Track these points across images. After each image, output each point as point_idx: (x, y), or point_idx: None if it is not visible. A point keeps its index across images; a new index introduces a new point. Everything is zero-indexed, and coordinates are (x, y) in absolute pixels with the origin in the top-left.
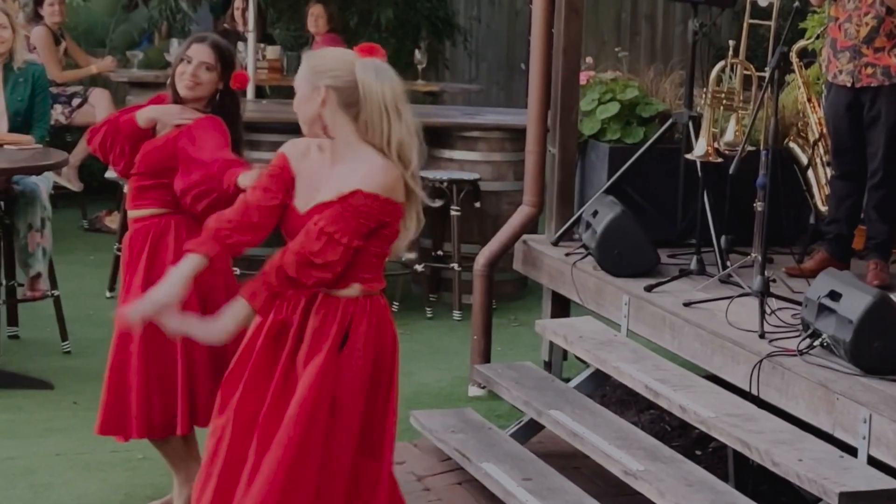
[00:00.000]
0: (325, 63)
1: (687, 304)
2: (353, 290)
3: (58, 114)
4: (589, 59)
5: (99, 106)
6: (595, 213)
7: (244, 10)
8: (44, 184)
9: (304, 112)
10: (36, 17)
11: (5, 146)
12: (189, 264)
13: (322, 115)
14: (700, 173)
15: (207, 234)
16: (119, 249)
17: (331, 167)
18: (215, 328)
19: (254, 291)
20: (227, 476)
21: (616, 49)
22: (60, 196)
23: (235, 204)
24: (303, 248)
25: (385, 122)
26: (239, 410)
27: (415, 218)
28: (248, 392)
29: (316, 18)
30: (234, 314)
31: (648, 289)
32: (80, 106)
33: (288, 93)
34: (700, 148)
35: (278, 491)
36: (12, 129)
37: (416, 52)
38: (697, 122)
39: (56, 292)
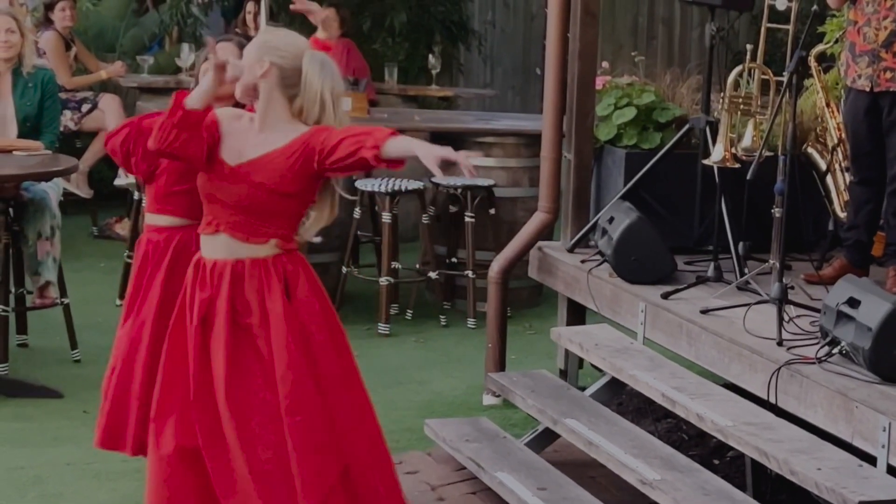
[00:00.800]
0: (276, 41)
1: (704, 312)
2: (271, 245)
3: (67, 119)
4: (605, 64)
5: (109, 111)
6: (611, 220)
7: (256, 14)
8: (53, 191)
9: (243, 78)
10: (46, 22)
11: (14, 152)
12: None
13: (258, 86)
14: (717, 179)
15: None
16: (130, 257)
17: (258, 133)
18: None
19: (389, 131)
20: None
21: (633, 53)
22: (70, 203)
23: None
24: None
25: (318, 110)
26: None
27: (328, 206)
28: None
29: (328, 22)
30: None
31: (665, 296)
32: (89, 112)
33: None
34: (717, 153)
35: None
36: (21, 135)
37: (430, 56)
38: (715, 127)
39: (66, 300)
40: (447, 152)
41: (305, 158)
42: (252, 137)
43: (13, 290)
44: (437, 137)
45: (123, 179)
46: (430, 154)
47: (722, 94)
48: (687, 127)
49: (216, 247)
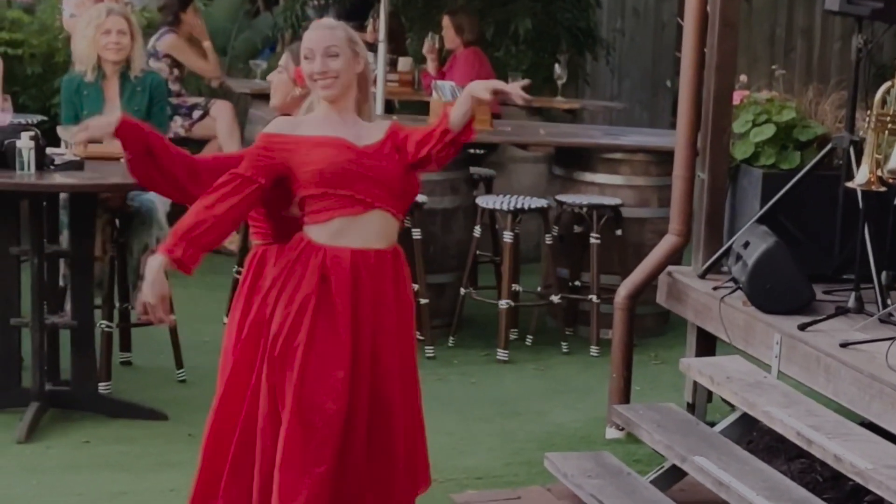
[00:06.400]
0: (358, 38)
1: (844, 345)
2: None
3: (177, 126)
4: (743, 78)
5: (220, 118)
6: (746, 244)
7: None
8: (161, 201)
9: (348, 76)
10: (175, 22)
11: (121, 160)
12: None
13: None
14: (861, 203)
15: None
16: (238, 272)
17: (353, 125)
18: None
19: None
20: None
21: (773, 67)
22: (178, 214)
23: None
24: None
25: (371, 105)
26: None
27: None
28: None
29: (446, 31)
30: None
31: (802, 327)
32: (201, 118)
33: (419, 108)
34: (861, 175)
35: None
36: None
37: (556, 66)
38: (859, 147)
39: (171, 317)
40: (496, 83)
41: (400, 152)
42: (351, 127)
43: (117, 305)
44: (563, 153)
45: None
46: (479, 88)
47: (868, 112)
48: (829, 147)
49: (369, 231)
